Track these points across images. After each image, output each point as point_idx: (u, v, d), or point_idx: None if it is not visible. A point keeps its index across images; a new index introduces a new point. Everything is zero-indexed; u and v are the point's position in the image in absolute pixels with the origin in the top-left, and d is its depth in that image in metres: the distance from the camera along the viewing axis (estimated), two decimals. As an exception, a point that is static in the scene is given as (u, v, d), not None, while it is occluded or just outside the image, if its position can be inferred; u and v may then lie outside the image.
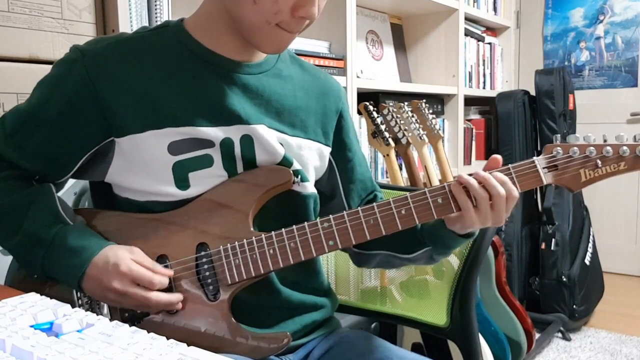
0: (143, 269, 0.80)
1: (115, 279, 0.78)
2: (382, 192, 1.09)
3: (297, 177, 0.90)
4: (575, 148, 0.85)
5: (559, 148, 0.86)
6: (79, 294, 0.85)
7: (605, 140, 0.85)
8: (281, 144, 0.89)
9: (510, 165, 0.85)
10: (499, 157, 0.86)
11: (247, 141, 0.87)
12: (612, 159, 0.84)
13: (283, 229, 0.85)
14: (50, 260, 0.82)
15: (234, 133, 0.86)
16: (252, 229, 0.86)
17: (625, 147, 0.84)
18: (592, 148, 0.85)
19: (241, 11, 0.82)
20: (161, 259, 0.85)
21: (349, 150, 1.01)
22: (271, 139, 0.88)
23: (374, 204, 0.85)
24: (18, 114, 0.88)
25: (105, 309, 0.84)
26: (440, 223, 0.89)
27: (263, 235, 0.84)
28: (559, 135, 0.90)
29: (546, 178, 0.85)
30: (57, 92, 0.85)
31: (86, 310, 0.80)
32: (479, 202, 0.83)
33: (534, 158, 0.86)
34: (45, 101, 0.86)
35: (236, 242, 0.84)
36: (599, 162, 0.84)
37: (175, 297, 0.82)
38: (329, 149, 0.98)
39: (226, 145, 0.86)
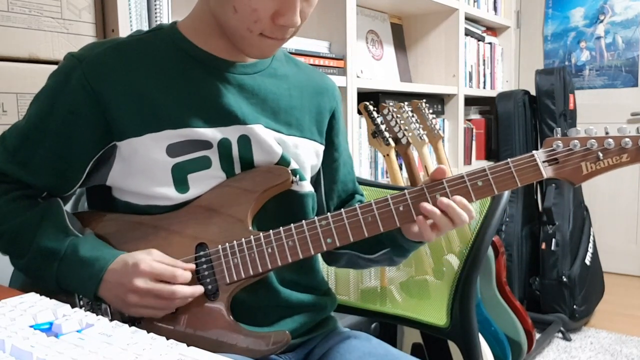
0: (164, 265, 0.80)
1: (137, 277, 0.77)
2: (381, 192, 1.09)
3: (295, 176, 0.90)
4: (576, 141, 0.83)
5: (559, 141, 0.84)
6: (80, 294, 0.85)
7: (607, 133, 0.83)
8: (278, 144, 0.89)
9: (509, 160, 0.85)
10: (444, 167, 0.86)
11: (245, 142, 0.87)
12: (614, 151, 0.82)
13: (281, 227, 0.85)
14: (64, 273, 0.81)
15: (232, 134, 0.86)
16: (250, 228, 0.86)
17: (627, 139, 0.82)
18: (593, 140, 0.83)
19: (224, 18, 0.82)
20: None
21: (336, 150, 1.02)
22: (268, 138, 0.88)
23: (372, 200, 0.85)
24: (19, 131, 0.87)
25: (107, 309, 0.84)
26: (397, 228, 0.89)
27: (261, 234, 0.84)
28: (559, 129, 0.88)
29: (546, 172, 0.84)
30: (58, 102, 0.84)
31: (87, 310, 0.80)
32: (441, 227, 0.84)
33: (534, 152, 0.84)
34: (47, 113, 0.85)
35: (235, 242, 0.84)
36: (600, 154, 0.82)
37: (197, 289, 0.82)
38: (323, 147, 0.99)
39: (224, 146, 0.86)
